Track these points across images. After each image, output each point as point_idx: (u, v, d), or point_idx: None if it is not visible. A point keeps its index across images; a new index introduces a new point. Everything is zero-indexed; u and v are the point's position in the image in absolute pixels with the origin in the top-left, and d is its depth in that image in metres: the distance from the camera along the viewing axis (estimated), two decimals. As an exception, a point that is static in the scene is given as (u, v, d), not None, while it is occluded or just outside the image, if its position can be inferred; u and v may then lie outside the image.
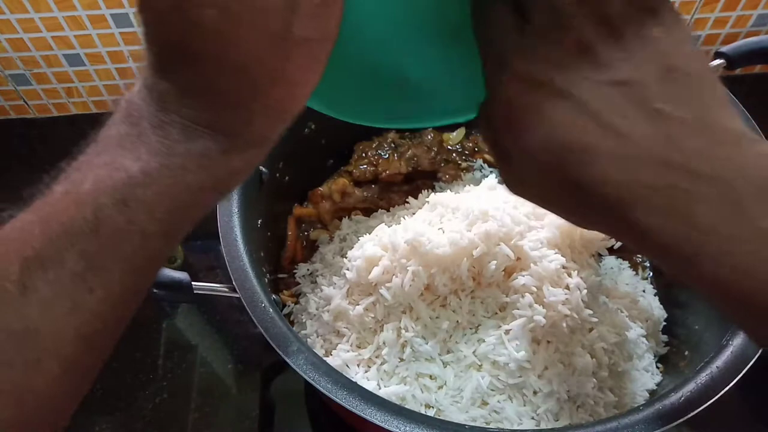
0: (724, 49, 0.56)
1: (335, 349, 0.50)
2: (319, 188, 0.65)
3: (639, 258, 0.61)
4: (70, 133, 0.81)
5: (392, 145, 0.66)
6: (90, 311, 0.23)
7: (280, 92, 0.25)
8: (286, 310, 0.57)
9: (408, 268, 0.48)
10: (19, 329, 0.22)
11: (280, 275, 0.60)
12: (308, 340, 0.53)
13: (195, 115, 0.24)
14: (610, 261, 0.59)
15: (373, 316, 0.49)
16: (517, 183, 0.27)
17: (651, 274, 0.61)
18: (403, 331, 0.48)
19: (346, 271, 0.52)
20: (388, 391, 0.46)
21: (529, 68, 0.23)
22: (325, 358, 0.44)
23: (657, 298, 0.58)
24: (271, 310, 0.43)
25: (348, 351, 0.49)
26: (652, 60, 0.23)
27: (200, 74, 0.23)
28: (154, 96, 0.24)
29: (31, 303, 0.22)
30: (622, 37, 0.23)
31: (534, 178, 0.25)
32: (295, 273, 0.59)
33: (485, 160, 0.68)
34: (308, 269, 0.59)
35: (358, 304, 0.50)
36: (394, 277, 0.48)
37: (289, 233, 0.62)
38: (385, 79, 0.33)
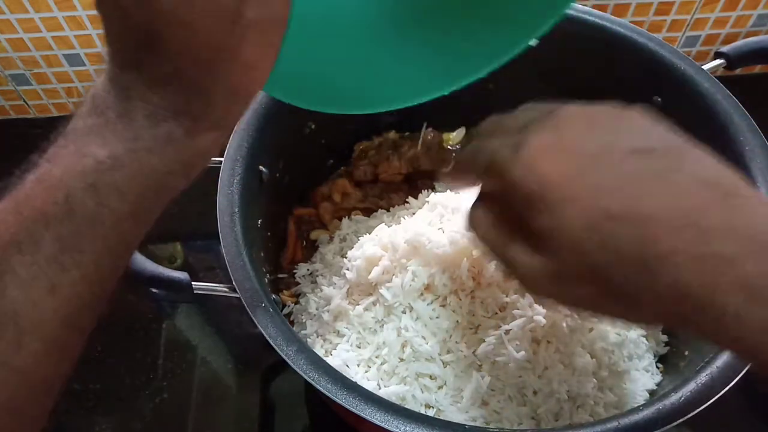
0: (724, 49, 0.56)
1: (335, 349, 0.50)
2: (320, 188, 0.65)
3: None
4: (70, 133, 0.81)
5: (392, 145, 0.66)
6: (67, 292, 0.24)
7: (238, 75, 0.26)
8: (286, 310, 0.57)
9: (408, 268, 0.48)
10: None
11: (280, 275, 0.60)
12: (308, 340, 0.53)
13: (158, 102, 0.25)
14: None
15: (373, 316, 0.49)
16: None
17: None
18: (403, 331, 0.48)
19: (346, 271, 0.52)
20: (388, 391, 0.46)
21: None
22: (325, 358, 0.44)
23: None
24: (271, 310, 0.43)
25: (348, 351, 0.49)
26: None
27: (163, 62, 0.25)
28: (118, 88, 0.25)
29: (10, 285, 0.23)
30: None
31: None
32: (295, 273, 0.59)
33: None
34: (308, 269, 0.59)
35: (358, 304, 0.50)
36: (394, 277, 0.48)
37: (289, 233, 0.62)
38: (347, 63, 0.34)
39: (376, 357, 0.49)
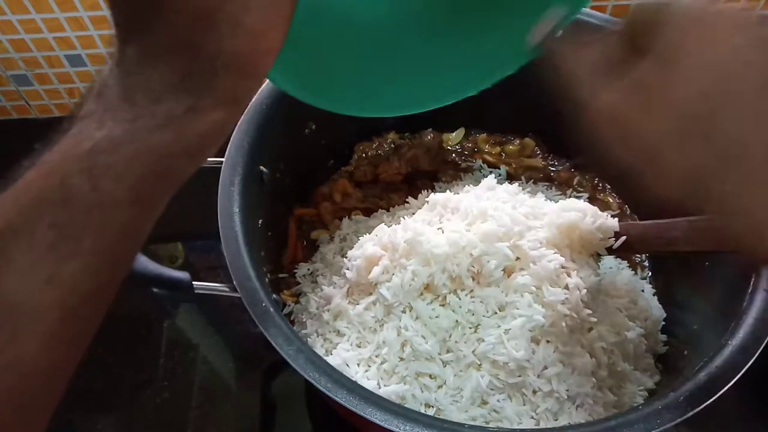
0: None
1: (335, 348, 0.50)
2: (320, 188, 0.65)
3: (638, 258, 0.61)
4: (71, 134, 0.81)
5: (392, 145, 0.66)
6: (67, 282, 0.23)
7: (242, 45, 0.25)
8: (286, 310, 0.57)
9: (408, 267, 0.48)
10: None
11: (281, 275, 0.60)
12: (308, 339, 0.53)
13: (158, 78, 0.24)
14: (609, 261, 0.59)
15: (373, 315, 0.49)
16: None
17: (650, 273, 0.61)
18: (402, 330, 0.48)
19: (346, 271, 0.52)
20: (388, 390, 0.47)
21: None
22: (325, 357, 0.44)
23: (656, 297, 0.58)
24: (271, 309, 0.43)
25: (348, 350, 0.49)
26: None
27: (164, 29, 0.24)
28: (120, 65, 0.25)
29: (6, 275, 0.22)
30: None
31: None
32: (296, 273, 0.60)
33: (485, 161, 0.68)
34: (308, 269, 0.59)
35: (358, 304, 0.50)
36: (393, 276, 0.48)
37: (290, 233, 0.62)
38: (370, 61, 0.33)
39: (376, 356, 0.49)
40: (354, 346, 0.50)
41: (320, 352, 0.51)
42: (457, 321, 0.48)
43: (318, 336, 0.53)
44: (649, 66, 0.25)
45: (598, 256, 0.55)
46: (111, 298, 0.26)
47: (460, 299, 0.48)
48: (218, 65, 0.25)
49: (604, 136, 0.26)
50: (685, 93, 0.24)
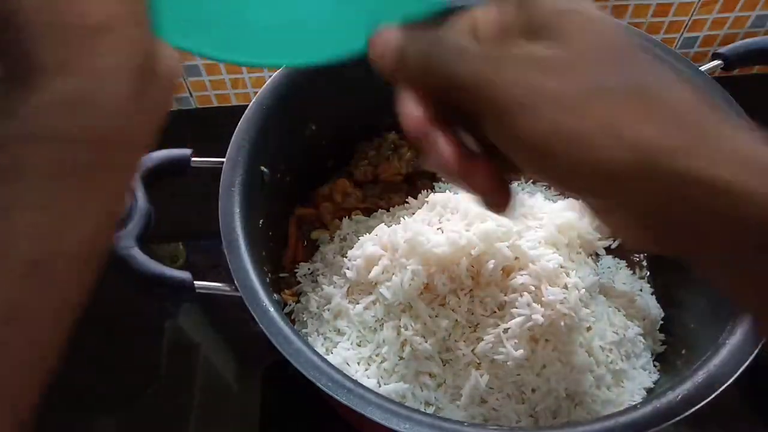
0: (722, 49, 0.57)
1: (336, 347, 0.51)
2: (320, 189, 0.65)
3: (636, 257, 0.62)
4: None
5: (392, 146, 0.66)
6: None
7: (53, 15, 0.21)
8: (287, 309, 0.57)
9: (407, 267, 0.48)
10: None
11: (282, 275, 0.60)
12: (309, 338, 0.53)
13: None
14: (608, 261, 0.59)
15: (372, 314, 0.50)
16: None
17: (648, 273, 0.61)
18: (402, 330, 0.48)
19: (347, 270, 0.52)
20: (388, 389, 0.47)
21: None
22: (325, 356, 0.45)
23: (654, 297, 0.58)
24: (272, 309, 0.43)
25: (348, 349, 0.50)
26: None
27: None
28: None
29: None
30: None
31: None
32: (296, 272, 0.60)
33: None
34: (309, 269, 0.60)
35: (358, 303, 0.50)
36: (393, 276, 0.49)
37: (290, 233, 0.63)
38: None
39: (376, 355, 0.49)
40: (354, 345, 0.50)
41: (321, 351, 0.51)
42: (456, 320, 0.48)
43: (318, 335, 0.53)
44: (551, 44, 0.25)
45: (596, 256, 0.55)
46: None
47: (459, 299, 0.48)
48: (26, 23, 0.20)
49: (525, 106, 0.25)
50: (584, 66, 0.25)
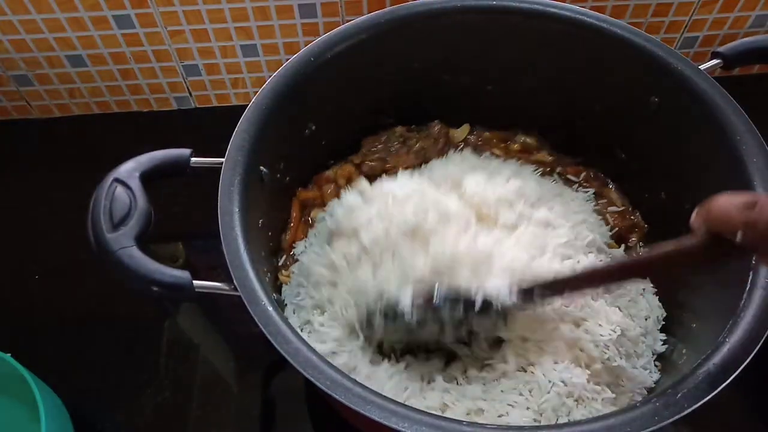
0: (721, 49, 0.56)
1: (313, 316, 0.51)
2: (325, 172, 0.65)
3: (637, 257, 0.61)
4: (72, 134, 0.81)
5: (400, 138, 0.66)
6: None
7: None
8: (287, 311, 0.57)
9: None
10: None
11: (281, 257, 0.60)
12: (298, 297, 0.55)
13: None
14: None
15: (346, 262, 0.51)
16: None
17: (650, 273, 0.61)
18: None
19: (328, 218, 0.54)
20: (391, 370, 0.47)
21: None
22: (305, 336, 0.44)
23: (656, 297, 0.58)
24: (271, 308, 0.43)
25: (324, 324, 0.50)
26: None
27: None
28: None
29: None
30: None
31: None
32: (294, 254, 0.60)
33: (493, 154, 0.68)
34: (305, 245, 0.60)
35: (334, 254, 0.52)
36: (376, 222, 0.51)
37: (293, 215, 0.62)
38: None
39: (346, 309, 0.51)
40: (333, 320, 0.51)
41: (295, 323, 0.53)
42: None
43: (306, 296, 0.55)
44: None
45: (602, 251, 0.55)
46: None
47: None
48: None
49: None
50: None
